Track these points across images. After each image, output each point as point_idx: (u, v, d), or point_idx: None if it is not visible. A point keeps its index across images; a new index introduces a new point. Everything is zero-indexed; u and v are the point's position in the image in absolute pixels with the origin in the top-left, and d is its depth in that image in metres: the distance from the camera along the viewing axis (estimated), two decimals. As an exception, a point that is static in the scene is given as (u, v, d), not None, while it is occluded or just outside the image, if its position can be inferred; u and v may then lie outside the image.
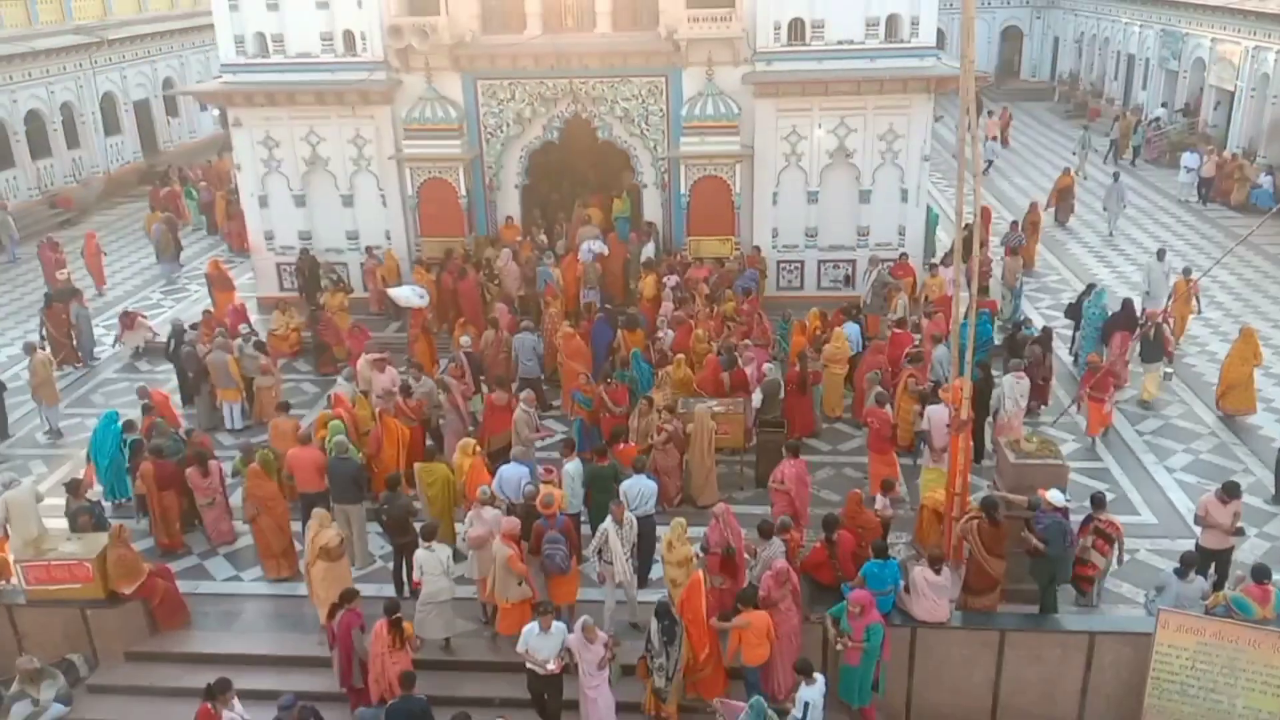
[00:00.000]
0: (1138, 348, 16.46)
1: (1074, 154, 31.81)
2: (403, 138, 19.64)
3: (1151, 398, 16.36)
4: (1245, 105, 28.44)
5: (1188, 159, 28.31)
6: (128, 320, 19.71)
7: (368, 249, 20.13)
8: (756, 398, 14.42)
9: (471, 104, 19.76)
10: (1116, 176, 25.74)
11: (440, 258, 19.28)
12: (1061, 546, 10.58)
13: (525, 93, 19.60)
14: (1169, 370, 17.14)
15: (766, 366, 14.95)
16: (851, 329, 16.44)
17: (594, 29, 19.15)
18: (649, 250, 19.32)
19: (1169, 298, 17.86)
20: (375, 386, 14.70)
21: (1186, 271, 18.61)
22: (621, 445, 13.04)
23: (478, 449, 12.74)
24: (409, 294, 17.95)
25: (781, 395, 14.69)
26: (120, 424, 14.16)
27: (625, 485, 11.76)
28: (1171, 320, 17.43)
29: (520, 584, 10.59)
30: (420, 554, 10.79)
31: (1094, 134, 32.38)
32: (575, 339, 16.19)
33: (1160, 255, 19.41)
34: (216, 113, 35.59)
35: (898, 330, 16.44)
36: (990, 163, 30.77)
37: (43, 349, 17.57)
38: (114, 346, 19.97)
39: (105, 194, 32.02)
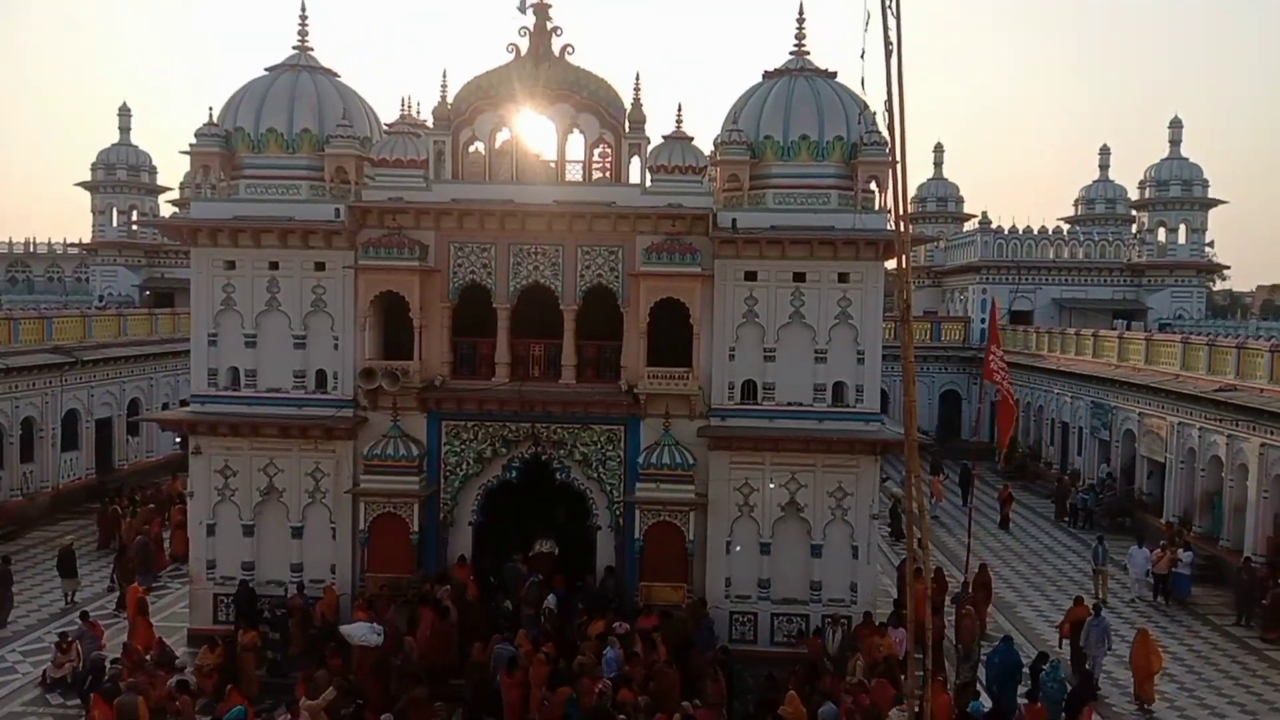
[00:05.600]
0: None
1: (1092, 573, 25.33)
2: (361, 472, 19.84)
3: None
4: (1176, 476, 29.71)
5: (1135, 555, 24.96)
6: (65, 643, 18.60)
7: (299, 585, 19.60)
8: None
9: (434, 442, 20.19)
10: (1097, 610, 19.78)
11: (375, 593, 18.85)
12: None
13: (488, 434, 20.14)
14: None
15: None
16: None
17: (558, 380, 20.07)
18: (551, 601, 18.83)
19: None
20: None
21: None
22: None
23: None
24: (365, 632, 17.15)
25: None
26: None
27: None
28: None
29: None
30: None
31: (1107, 546, 25.41)
32: (544, 665, 15.96)
33: None
34: (178, 437, 35.84)
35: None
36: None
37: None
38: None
39: (50, 510, 31.40)
